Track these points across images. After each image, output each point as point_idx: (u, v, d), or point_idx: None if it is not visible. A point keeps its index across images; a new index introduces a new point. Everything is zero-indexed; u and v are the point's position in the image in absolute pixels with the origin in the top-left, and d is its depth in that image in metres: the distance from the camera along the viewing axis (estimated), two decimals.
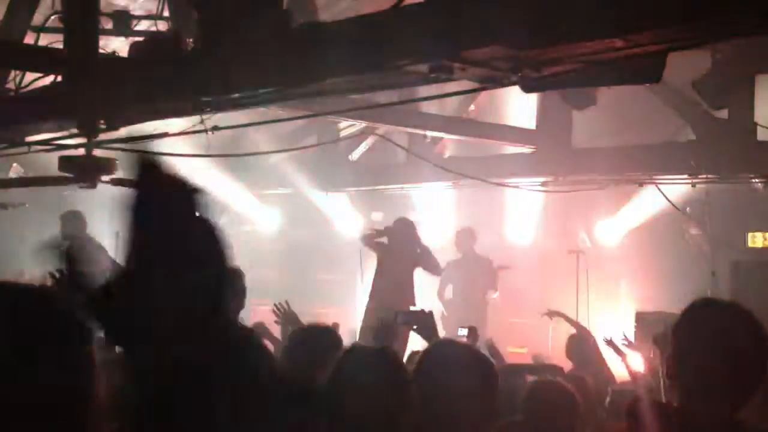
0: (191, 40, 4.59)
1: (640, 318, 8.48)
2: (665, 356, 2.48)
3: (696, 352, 2.37)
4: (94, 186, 5.28)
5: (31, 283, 1.71)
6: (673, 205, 8.84)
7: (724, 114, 7.71)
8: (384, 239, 9.25)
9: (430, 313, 4.17)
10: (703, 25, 2.65)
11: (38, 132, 5.71)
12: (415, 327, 4.11)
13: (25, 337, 1.58)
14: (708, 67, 6.48)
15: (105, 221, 11.15)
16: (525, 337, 10.82)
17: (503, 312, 11.16)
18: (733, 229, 9.23)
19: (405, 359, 5.61)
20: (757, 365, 2.35)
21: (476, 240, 10.70)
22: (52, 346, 1.60)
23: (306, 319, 5.35)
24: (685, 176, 8.33)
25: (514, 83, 3.30)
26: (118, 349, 1.96)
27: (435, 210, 11.73)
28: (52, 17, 5.51)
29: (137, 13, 5.90)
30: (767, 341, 2.35)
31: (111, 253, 10.40)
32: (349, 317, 11.48)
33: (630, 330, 7.47)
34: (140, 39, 5.03)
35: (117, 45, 5.53)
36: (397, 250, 9.06)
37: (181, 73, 4.50)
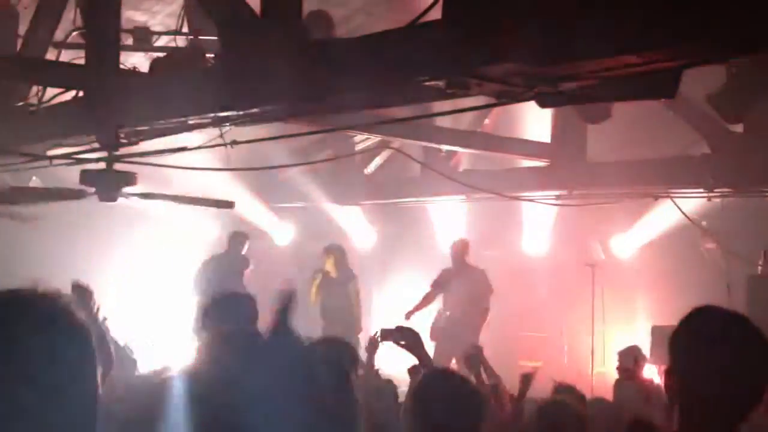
0: (210, 55, 4.66)
1: (656, 332, 8.45)
2: (664, 370, 2.29)
3: (695, 365, 2.18)
4: (114, 199, 5.35)
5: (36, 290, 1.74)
6: (688, 218, 8.82)
7: (739, 128, 7.70)
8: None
9: (414, 331, 4.21)
10: (717, 42, 2.67)
11: (59, 146, 5.79)
12: (403, 343, 4.13)
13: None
14: (723, 81, 6.48)
15: (124, 234, 11.30)
16: (539, 350, 10.79)
17: (517, 325, 11.15)
18: (748, 243, 9.19)
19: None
20: (761, 377, 2.17)
21: (466, 251, 10.29)
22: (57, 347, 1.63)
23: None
24: (701, 190, 8.31)
25: (530, 99, 3.33)
26: None
27: (449, 223, 11.74)
28: (74, 33, 5.60)
29: (157, 28, 5.98)
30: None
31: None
32: (364, 332, 11.51)
33: (646, 344, 7.46)
34: (160, 54, 5.11)
35: (137, 60, 5.60)
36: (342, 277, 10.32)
37: (200, 88, 4.56)
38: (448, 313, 10.03)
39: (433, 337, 9.42)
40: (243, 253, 10.77)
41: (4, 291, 1.69)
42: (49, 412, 1.56)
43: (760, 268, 8.65)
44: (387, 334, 4.16)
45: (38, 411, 1.56)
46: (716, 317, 2.25)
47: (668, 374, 2.23)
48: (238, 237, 10.85)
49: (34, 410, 1.55)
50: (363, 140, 9.97)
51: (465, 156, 10.32)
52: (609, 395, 6.25)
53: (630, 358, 6.80)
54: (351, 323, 10.01)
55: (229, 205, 6.19)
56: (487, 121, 9.71)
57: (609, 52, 2.77)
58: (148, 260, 11.67)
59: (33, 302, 1.68)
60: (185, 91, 4.64)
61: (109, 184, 5.22)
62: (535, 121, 9.30)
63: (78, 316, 1.70)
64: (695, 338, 2.22)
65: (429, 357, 3.93)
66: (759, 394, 2.17)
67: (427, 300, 10.16)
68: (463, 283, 10.01)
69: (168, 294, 11.15)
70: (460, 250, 10.22)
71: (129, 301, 10.38)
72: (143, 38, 5.52)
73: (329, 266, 10.34)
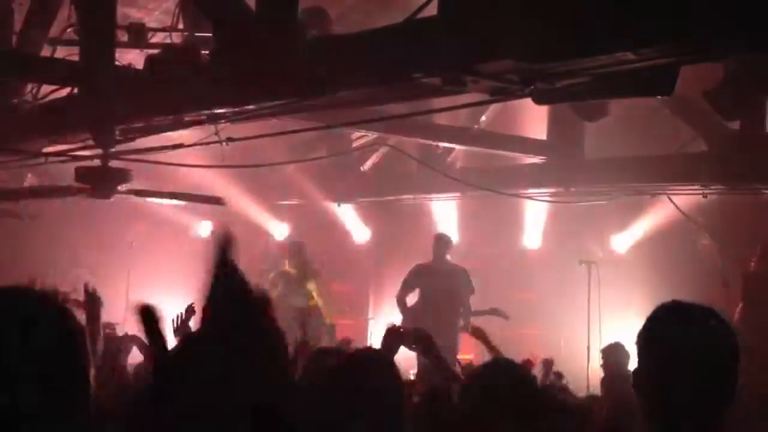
0: (206, 52, 4.64)
1: None
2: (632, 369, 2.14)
3: (660, 363, 2.06)
4: (109, 197, 5.34)
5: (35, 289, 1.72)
6: (685, 215, 8.83)
7: (735, 125, 7.70)
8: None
9: (427, 333, 4.05)
10: (714, 41, 2.67)
11: (54, 143, 5.77)
12: (414, 347, 3.99)
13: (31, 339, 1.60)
14: (720, 78, 6.48)
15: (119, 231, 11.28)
16: (536, 348, 10.77)
17: (514, 322, 11.14)
18: (744, 239, 9.21)
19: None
20: (729, 375, 2.05)
21: (450, 248, 9.84)
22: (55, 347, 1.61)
23: None
24: (697, 187, 8.32)
25: (526, 96, 3.32)
26: None
27: (446, 220, 11.73)
28: (68, 30, 5.58)
29: (152, 25, 5.95)
30: (737, 346, 2.06)
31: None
32: (361, 329, 11.51)
33: None
34: (155, 51, 5.09)
35: (132, 57, 5.58)
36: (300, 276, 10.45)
37: (195, 85, 4.55)
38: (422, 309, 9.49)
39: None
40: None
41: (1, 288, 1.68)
42: (37, 409, 1.55)
43: (754, 263, 8.66)
44: (399, 339, 3.97)
45: (26, 407, 1.55)
46: (683, 314, 2.11)
47: (635, 373, 2.12)
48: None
49: (22, 406, 1.55)
50: (359, 137, 9.95)
51: (461, 153, 10.31)
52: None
53: (613, 356, 6.80)
54: (316, 325, 9.74)
55: (220, 201, 6.18)
56: (483, 118, 9.69)
57: (605, 49, 2.77)
58: (146, 258, 11.66)
59: (30, 300, 1.67)
60: (181, 88, 4.63)
61: (104, 181, 5.21)
62: (531, 118, 9.30)
63: (73, 314, 1.69)
64: (660, 335, 2.09)
65: (445, 360, 3.81)
66: (728, 392, 2.05)
67: (403, 303, 9.70)
68: (438, 280, 9.56)
69: (165, 292, 11.12)
70: (442, 245, 9.74)
71: (127, 299, 10.36)
72: (138, 35, 5.49)
73: (287, 265, 10.45)
